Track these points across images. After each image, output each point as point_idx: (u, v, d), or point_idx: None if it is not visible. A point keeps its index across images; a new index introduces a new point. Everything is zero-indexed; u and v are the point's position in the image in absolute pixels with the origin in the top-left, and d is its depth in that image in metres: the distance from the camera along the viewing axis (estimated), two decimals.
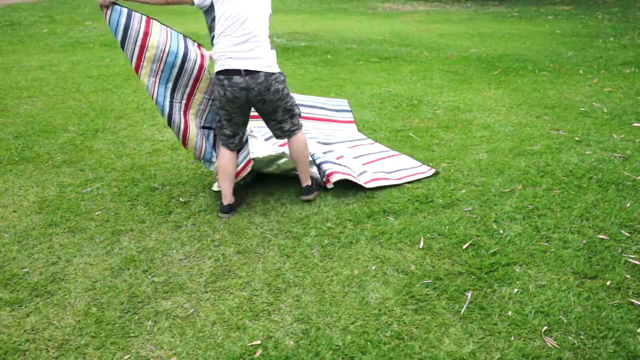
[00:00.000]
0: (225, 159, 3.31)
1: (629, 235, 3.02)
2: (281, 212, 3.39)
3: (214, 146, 3.49)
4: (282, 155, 3.60)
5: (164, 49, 3.19)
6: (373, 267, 2.80)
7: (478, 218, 3.24)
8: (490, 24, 11.05)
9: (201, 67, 3.29)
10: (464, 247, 2.95)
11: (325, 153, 3.87)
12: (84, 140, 4.64)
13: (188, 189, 3.71)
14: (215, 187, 3.55)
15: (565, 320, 2.38)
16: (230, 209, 3.34)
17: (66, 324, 2.43)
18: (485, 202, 3.42)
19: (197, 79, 3.29)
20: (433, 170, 3.84)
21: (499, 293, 2.58)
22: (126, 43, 3.16)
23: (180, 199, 3.57)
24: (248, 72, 3.05)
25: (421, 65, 7.35)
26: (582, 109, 5.23)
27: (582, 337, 2.29)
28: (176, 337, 2.34)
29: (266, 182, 3.78)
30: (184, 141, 3.37)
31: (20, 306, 2.56)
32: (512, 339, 2.29)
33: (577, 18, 11.45)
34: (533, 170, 3.85)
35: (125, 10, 3.17)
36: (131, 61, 3.21)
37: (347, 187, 3.66)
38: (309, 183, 3.50)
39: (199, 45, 3.36)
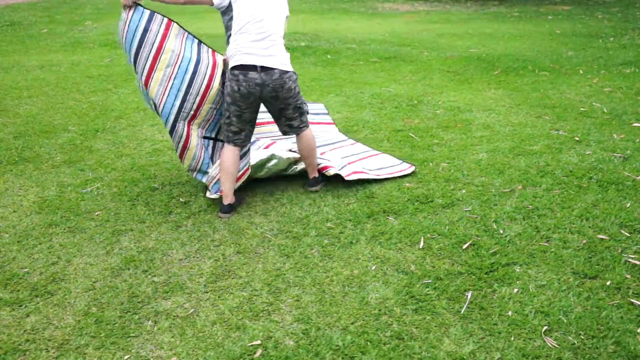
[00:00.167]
0: (228, 158, 3.32)
1: (629, 235, 3.02)
2: (281, 212, 3.39)
3: (212, 157, 3.50)
4: (271, 158, 3.64)
5: (179, 54, 3.23)
6: (373, 267, 2.80)
7: (478, 218, 3.24)
8: (490, 24, 11.05)
9: (211, 76, 3.30)
10: (464, 247, 2.95)
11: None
12: (84, 140, 4.64)
13: (188, 189, 3.71)
14: (209, 195, 3.48)
15: (565, 320, 2.38)
16: (230, 209, 3.34)
17: (66, 324, 2.43)
18: (485, 202, 3.42)
19: (207, 88, 3.31)
20: (413, 168, 3.90)
21: (499, 293, 2.58)
22: (143, 46, 3.20)
23: (180, 199, 3.57)
24: (264, 69, 3.13)
25: (421, 65, 7.35)
26: (582, 109, 5.23)
27: (582, 337, 2.29)
28: (176, 337, 2.34)
29: (266, 182, 3.78)
30: (182, 152, 3.39)
31: (20, 306, 2.56)
32: (512, 339, 2.29)
33: (577, 18, 11.45)
34: (533, 170, 3.85)
35: (147, 13, 3.22)
36: (144, 66, 3.22)
37: (347, 187, 3.67)
38: (316, 175, 3.64)
39: (214, 52, 3.38)
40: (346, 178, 3.65)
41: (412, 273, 2.74)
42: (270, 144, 3.85)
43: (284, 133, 3.50)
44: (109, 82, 6.60)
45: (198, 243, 3.06)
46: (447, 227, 3.15)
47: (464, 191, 3.58)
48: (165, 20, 3.26)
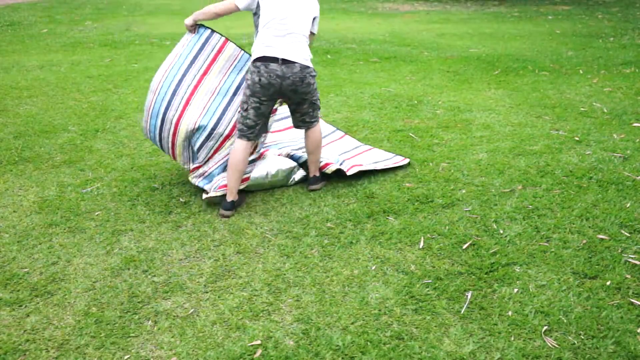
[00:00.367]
0: (240, 154, 3.35)
1: (629, 235, 3.02)
2: (281, 212, 3.39)
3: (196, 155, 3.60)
4: (268, 174, 3.66)
5: (219, 83, 3.52)
6: (373, 267, 2.80)
7: (478, 218, 3.25)
8: (490, 24, 11.05)
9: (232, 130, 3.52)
10: (464, 247, 2.95)
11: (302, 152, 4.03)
12: (84, 140, 4.64)
13: (188, 189, 3.71)
14: (212, 194, 3.42)
15: (565, 320, 2.38)
16: (232, 207, 3.34)
17: (66, 324, 2.43)
18: (485, 202, 3.42)
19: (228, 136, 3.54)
20: (407, 160, 4.00)
21: (499, 293, 2.58)
22: (196, 59, 3.50)
23: (180, 199, 3.57)
24: (285, 62, 3.21)
25: (421, 65, 7.35)
26: (582, 109, 5.23)
27: (582, 337, 2.29)
28: (176, 337, 2.34)
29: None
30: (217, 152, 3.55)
31: (20, 306, 2.56)
32: (512, 339, 2.29)
33: (577, 18, 11.45)
34: (533, 170, 3.85)
35: (207, 32, 3.53)
36: (195, 75, 3.49)
37: (347, 187, 3.67)
38: (317, 174, 3.65)
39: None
40: (348, 173, 3.69)
41: (412, 273, 2.74)
42: (265, 150, 3.88)
43: (297, 127, 3.58)
44: (109, 82, 6.61)
45: (198, 243, 3.06)
46: (447, 227, 3.15)
47: (464, 191, 3.58)
48: (223, 39, 3.53)
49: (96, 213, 3.41)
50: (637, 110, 5.14)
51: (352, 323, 2.40)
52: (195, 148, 3.50)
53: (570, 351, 2.22)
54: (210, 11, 3.37)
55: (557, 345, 2.25)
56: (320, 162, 3.73)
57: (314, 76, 3.36)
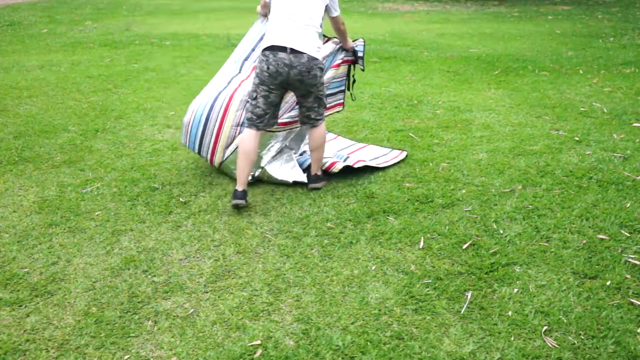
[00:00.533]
0: (250, 142, 3.40)
1: (629, 235, 3.02)
2: (281, 212, 3.39)
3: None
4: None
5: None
6: (373, 267, 2.80)
7: (478, 218, 3.24)
8: (490, 24, 11.05)
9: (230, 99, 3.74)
10: (464, 247, 2.95)
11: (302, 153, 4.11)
12: (84, 140, 4.64)
13: (188, 189, 3.71)
14: (297, 178, 3.72)
15: (565, 320, 2.38)
16: (244, 195, 3.34)
17: (66, 324, 2.43)
18: (485, 202, 3.42)
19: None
20: (405, 153, 4.08)
21: (499, 293, 2.58)
22: (257, 47, 3.84)
23: (180, 199, 3.57)
24: (293, 51, 3.28)
25: (421, 65, 7.35)
26: (582, 109, 5.23)
27: (582, 337, 2.29)
28: (176, 337, 2.34)
29: (266, 182, 3.78)
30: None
31: (20, 306, 2.56)
32: (512, 339, 2.29)
33: (577, 18, 11.45)
34: (533, 170, 3.85)
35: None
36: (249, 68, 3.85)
37: (347, 187, 3.67)
38: (319, 173, 3.67)
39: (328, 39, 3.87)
40: (355, 166, 3.78)
41: (412, 273, 2.74)
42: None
43: (302, 123, 3.61)
44: (109, 82, 6.60)
45: (198, 243, 3.06)
46: (447, 227, 3.15)
47: (464, 191, 3.58)
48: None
49: (96, 213, 3.41)
50: (637, 110, 5.14)
51: (352, 323, 2.40)
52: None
53: (570, 351, 2.22)
54: (262, 1, 3.69)
55: (557, 345, 2.25)
56: (325, 162, 3.77)
57: (321, 69, 3.40)
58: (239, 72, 3.87)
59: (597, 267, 2.75)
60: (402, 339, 2.30)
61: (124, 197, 3.61)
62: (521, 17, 11.89)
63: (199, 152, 3.82)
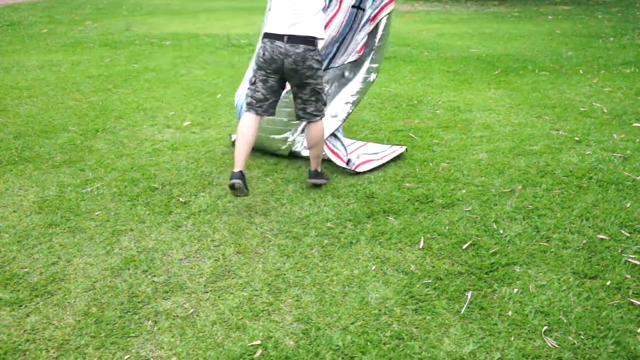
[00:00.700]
0: (249, 124, 3.41)
1: (629, 235, 3.02)
2: (281, 212, 3.39)
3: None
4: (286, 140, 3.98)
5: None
6: (373, 267, 2.80)
7: (478, 218, 3.24)
8: (490, 24, 11.05)
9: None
10: (464, 247, 2.95)
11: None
12: (84, 140, 4.64)
13: (188, 189, 3.71)
14: (347, 166, 3.85)
15: (565, 320, 2.38)
16: (241, 176, 3.28)
17: (66, 324, 2.43)
18: (485, 202, 3.42)
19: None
20: (404, 147, 4.13)
21: (499, 293, 2.58)
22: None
23: (180, 199, 3.57)
24: (290, 39, 3.30)
25: (421, 65, 7.35)
26: (582, 109, 5.23)
27: (582, 337, 2.29)
28: (176, 337, 2.34)
29: (266, 182, 3.78)
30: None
31: (20, 306, 2.56)
32: (512, 339, 2.29)
33: (577, 18, 11.45)
34: (533, 170, 3.85)
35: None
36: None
37: (347, 187, 3.67)
38: (319, 169, 3.67)
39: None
40: (357, 170, 3.86)
41: (412, 273, 2.74)
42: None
43: (297, 118, 3.57)
44: (109, 82, 6.61)
45: (198, 243, 3.06)
46: (447, 227, 3.15)
47: (464, 191, 3.58)
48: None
49: (96, 213, 3.41)
50: (637, 110, 5.14)
51: (352, 323, 2.40)
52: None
53: (570, 351, 2.22)
54: None
55: (557, 345, 2.25)
56: (354, 163, 3.90)
57: (318, 60, 3.37)
58: None
59: (597, 267, 2.75)
60: (402, 339, 2.30)
61: (124, 197, 3.61)
62: (521, 17, 11.89)
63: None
